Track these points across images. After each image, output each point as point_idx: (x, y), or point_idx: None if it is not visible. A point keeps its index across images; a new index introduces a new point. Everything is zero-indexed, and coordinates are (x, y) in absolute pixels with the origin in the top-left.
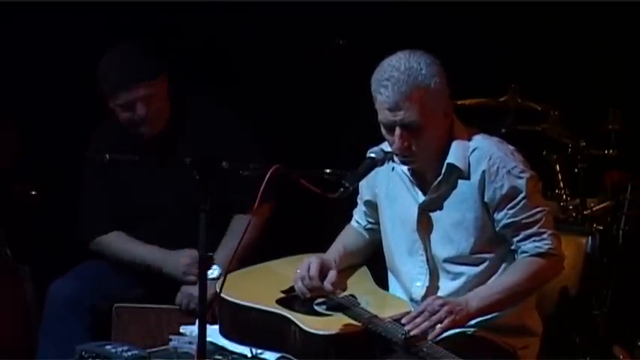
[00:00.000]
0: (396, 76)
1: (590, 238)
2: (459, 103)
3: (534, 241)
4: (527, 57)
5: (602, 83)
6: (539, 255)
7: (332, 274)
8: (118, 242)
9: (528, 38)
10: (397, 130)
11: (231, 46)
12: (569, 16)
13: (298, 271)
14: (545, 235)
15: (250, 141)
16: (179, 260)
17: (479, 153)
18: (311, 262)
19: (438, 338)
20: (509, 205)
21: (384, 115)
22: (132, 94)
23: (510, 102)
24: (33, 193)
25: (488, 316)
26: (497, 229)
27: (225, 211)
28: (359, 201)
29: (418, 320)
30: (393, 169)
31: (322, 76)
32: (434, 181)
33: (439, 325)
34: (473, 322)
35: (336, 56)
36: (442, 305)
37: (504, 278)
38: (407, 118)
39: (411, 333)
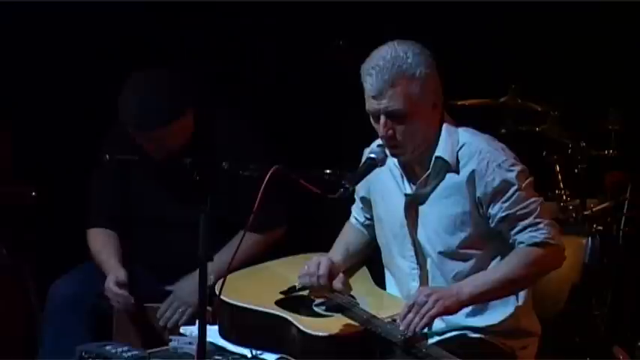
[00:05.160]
0: (381, 64)
1: (590, 238)
2: (459, 103)
3: (530, 231)
4: (527, 57)
5: (602, 83)
6: (535, 244)
7: (341, 277)
8: (96, 241)
9: (528, 38)
10: (382, 118)
11: (230, 47)
12: (568, 16)
13: (306, 267)
14: (541, 225)
15: (263, 153)
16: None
17: (468, 149)
18: (321, 260)
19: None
20: (503, 199)
21: (369, 104)
22: (151, 135)
23: (510, 102)
24: (33, 194)
25: (486, 322)
26: (492, 224)
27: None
28: (356, 197)
29: (410, 316)
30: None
31: (322, 77)
32: (423, 174)
33: (429, 313)
34: (471, 324)
35: (336, 56)
36: (429, 295)
37: (499, 267)
38: (391, 106)
39: (408, 332)
